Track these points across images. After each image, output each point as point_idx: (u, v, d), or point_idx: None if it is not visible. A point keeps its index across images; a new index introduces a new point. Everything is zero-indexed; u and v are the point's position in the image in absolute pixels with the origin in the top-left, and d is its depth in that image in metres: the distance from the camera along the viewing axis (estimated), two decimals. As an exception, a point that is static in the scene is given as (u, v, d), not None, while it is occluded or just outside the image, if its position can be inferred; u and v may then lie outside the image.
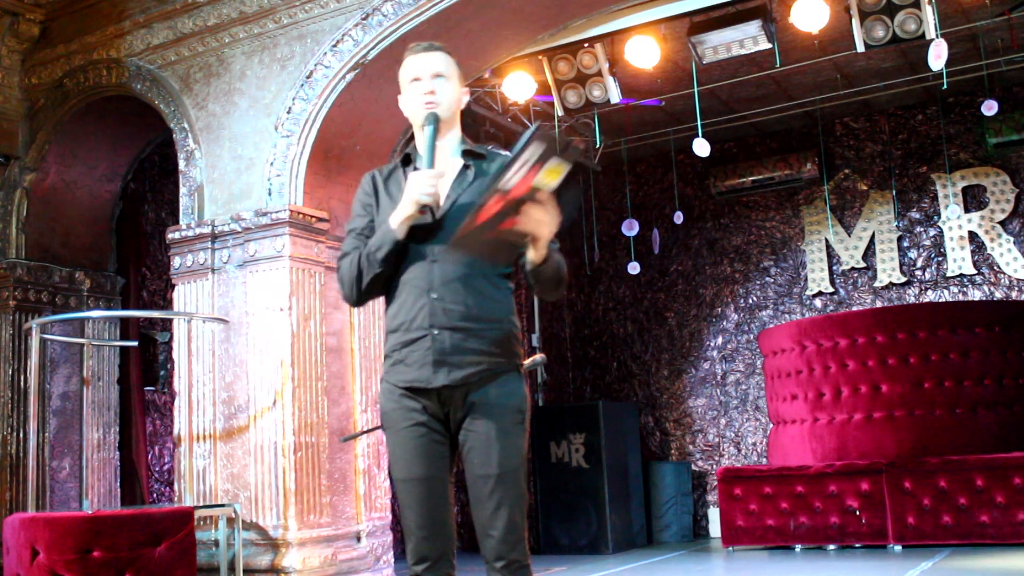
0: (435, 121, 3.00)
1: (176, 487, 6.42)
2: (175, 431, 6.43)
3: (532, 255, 2.83)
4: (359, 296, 3.06)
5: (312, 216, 6.33)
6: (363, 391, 6.59)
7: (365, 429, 6.44)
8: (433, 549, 2.95)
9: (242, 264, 6.36)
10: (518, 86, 8.07)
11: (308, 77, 6.38)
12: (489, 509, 2.91)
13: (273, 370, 6.12)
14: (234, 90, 6.67)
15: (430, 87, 3.05)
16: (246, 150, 6.53)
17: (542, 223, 2.73)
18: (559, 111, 8.13)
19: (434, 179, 2.90)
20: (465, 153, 3.10)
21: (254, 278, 6.28)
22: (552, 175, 2.58)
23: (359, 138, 6.68)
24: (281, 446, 6.03)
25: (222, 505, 6.01)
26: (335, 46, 6.32)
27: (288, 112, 6.39)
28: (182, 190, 6.74)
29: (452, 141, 3.12)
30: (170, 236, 6.64)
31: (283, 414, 6.06)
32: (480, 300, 2.93)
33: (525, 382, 3.02)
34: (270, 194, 6.35)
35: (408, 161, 3.09)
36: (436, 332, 2.91)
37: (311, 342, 6.25)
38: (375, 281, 3.01)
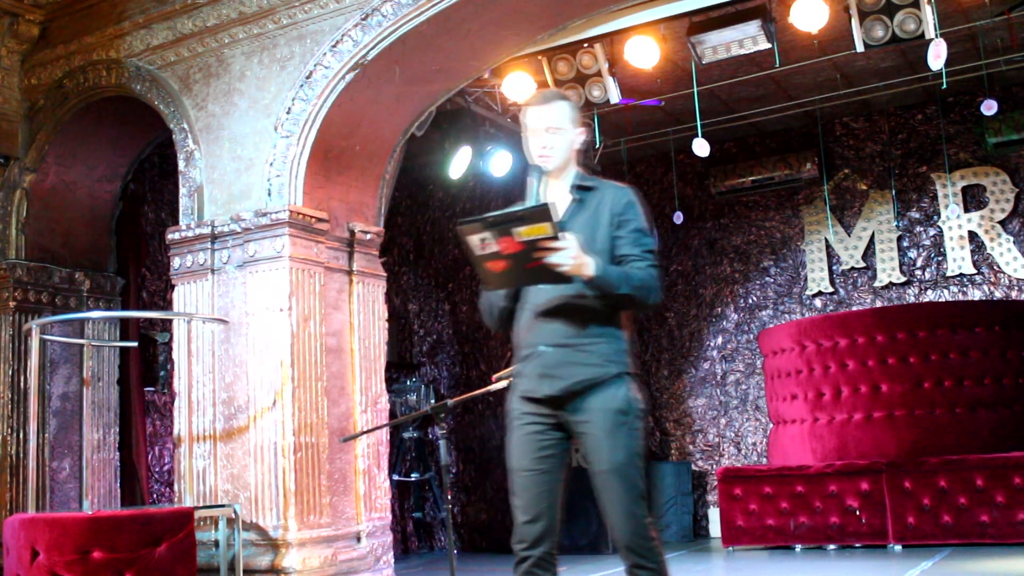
0: (539, 174, 3.45)
1: (176, 488, 6.42)
2: (175, 431, 6.43)
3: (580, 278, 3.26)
4: (496, 326, 3.64)
5: (312, 216, 6.33)
6: (363, 391, 6.59)
7: (365, 429, 6.44)
8: (531, 532, 3.37)
9: (242, 264, 6.36)
10: (518, 86, 8.07)
11: (308, 77, 6.37)
12: (606, 501, 3.35)
13: (273, 370, 6.12)
14: (234, 90, 6.67)
15: (543, 142, 3.50)
16: (246, 151, 6.53)
17: (555, 260, 3.16)
18: (559, 111, 8.12)
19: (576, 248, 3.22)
20: (575, 188, 3.53)
21: (254, 278, 6.28)
22: (534, 231, 3.10)
23: (358, 139, 6.68)
24: (281, 446, 6.03)
25: (222, 505, 6.01)
26: (335, 46, 6.32)
27: (288, 112, 6.39)
28: (182, 191, 6.74)
29: (566, 179, 3.56)
30: (170, 237, 6.64)
31: (283, 414, 6.06)
32: (583, 320, 3.37)
33: (633, 385, 3.43)
34: (270, 194, 6.35)
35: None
36: (542, 348, 3.39)
37: (311, 342, 6.25)
38: (503, 314, 3.55)
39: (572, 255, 3.15)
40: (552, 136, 3.50)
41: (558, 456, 3.43)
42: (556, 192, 3.53)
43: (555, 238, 3.13)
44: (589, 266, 3.22)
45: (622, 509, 3.31)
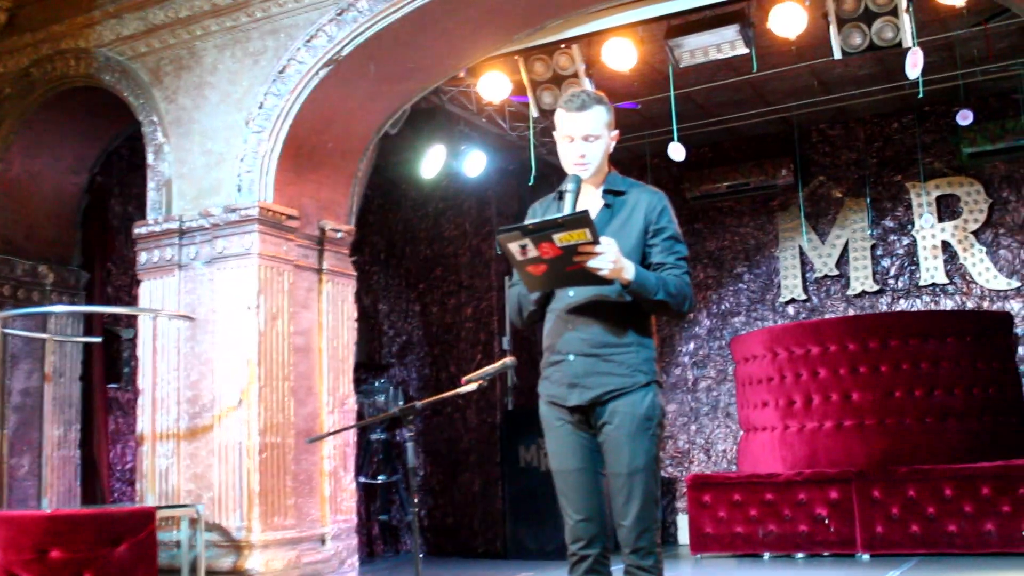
0: (577, 183, 3.45)
1: (138, 487, 6.37)
2: (138, 429, 6.39)
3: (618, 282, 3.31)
4: (522, 324, 3.69)
5: (282, 214, 6.30)
6: (330, 392, 6.56)
7: (332, 430, 6.41)
8: (587, 530, 3.46)
9: (210, 261, 6.32)
10: (493, 86, 8.05)
11: (281, 72, 6.34)
12: (620, 503, 3.41)
13: (239, 369, 6.08)
14: (205, 84, 6.62)
15: (581, 151, 3.48)
16: (216, 145, 6.49)
17: (595, 264, 3.20)
18: (534, 112, 8.12)
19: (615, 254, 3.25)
20: (606, 192, 3.54)
21: (222, 275, 6.24)
22: (572, 237, 3.14)
23: (331, 135, 6.65)
24: (246, 446, 5.99)
25: (185, 505, 5.97)
26: (309, 41, 6.29)
27: (260, 107, 6.36)
28: (150, 184, 6.68)
29: (598, 183, 3.56)
30: (136, 231, 6.59)
31: (249, 414, 6.03)
32: (611, 327, 3.41)
33: (660, 393, 3.51)
34: (240, 190, 6.31)
35: (561, 197, 3.51)
36: (571, 358, 3.44)
37: (278, 341, 6.22)
38: (532, 315, 3.59)
39: (611, 259, 3.20)
40: (589, 145, 3.49)
41: (597, 453, 3.49)
42: (588, 196, 3.54)
43: (593, 243, 3.18)
44: (628, 270, 3.27)
45: (635, 513, 3.40)
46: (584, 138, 3.48)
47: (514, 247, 3.22)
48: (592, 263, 3.20)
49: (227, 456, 6.04)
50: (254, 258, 6.14)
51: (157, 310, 6.36)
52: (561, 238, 3.16)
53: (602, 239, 3.21)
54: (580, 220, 3.14)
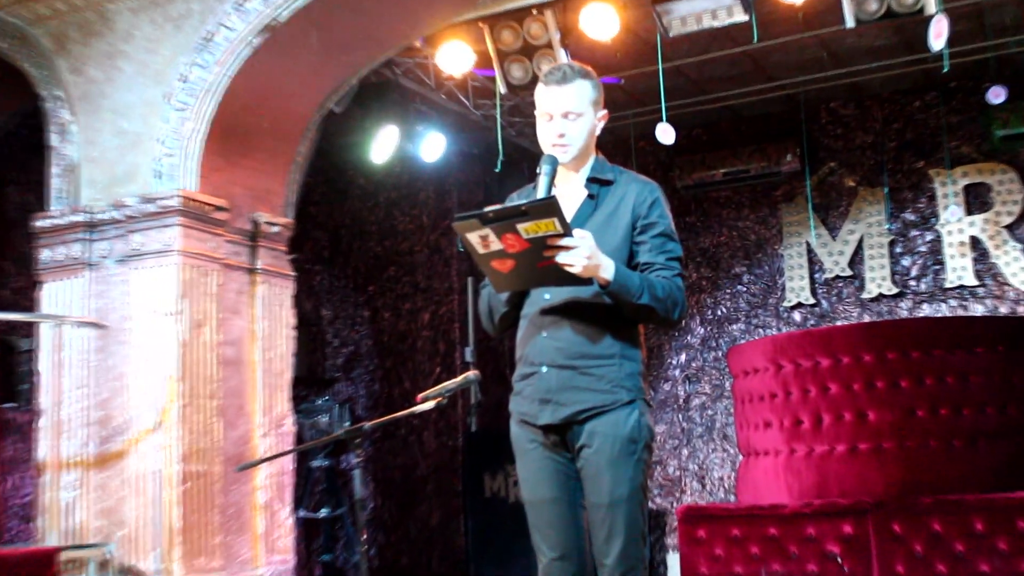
0: (553, 164, 3.43)
1: (38, 524, 6.33)
2: (38, 457, 6.34)
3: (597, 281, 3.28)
4: (495, 330, 3.70)
5: (208, 204, 6.28)
6: (265, 411, 6.54)
7: (266, 456, 6.39)
8: (564, 570, 3.50)
9: (124, 259, 6.30)
10: (454, 58, 8.04)
11: (208, 40, 6.32)
12: (601, 538, 3.47)
13: (158, 385, 6.06)
14: (118, 53, 6.58)
15: (560, 129, 3.48)
16: (132, 124, 6.46)
17: (566, 260, 3.16)
18: (501, 88, 8.11)
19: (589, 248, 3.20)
20: (590, 181, 3.55)
21: (138, 276, 6.22)
22: (540, 227, 3.12)
23: (267, 114, 6.64)
24: (166, 475, 5.97)
25: (93, 545, 5.95)
26: (241, 5, 6.28)
27: (183, 81, 6.33)
28: (53, 170, 6.65)
29: (583, 170, 3.58)
30: (37, 224, 6.56)
31: (169, 438, 6.01)
32: (591, 336, 3.41)
33: (646, 412, 3.50)
34: (159, 177, 6.29)
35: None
36: (545, 370, 3.44)
37: (204, 352, 6.19)
38: (504, 319, 3.59)
39: (585, 254, 3.16)
40: (570, 123, 3.49)
41: (575, 480, 3.50)
42: (570, 185, 3.54)
43: (563, 235, 3.15)
44: (606, 269, 3.25)
45: (618, 550, 3.45)
46: (564, 115, 3.48)
47: (473, 237, 3.17)
48: (563, 258, 3.15)
49: (143, 487, 6.02)
50: (175, 256, 6.13)
51: (61, 316, 6.32)
52: (527, 229, 3.12)
53: (576, 231, 3.17)
54: (547, 208, 3.10)
